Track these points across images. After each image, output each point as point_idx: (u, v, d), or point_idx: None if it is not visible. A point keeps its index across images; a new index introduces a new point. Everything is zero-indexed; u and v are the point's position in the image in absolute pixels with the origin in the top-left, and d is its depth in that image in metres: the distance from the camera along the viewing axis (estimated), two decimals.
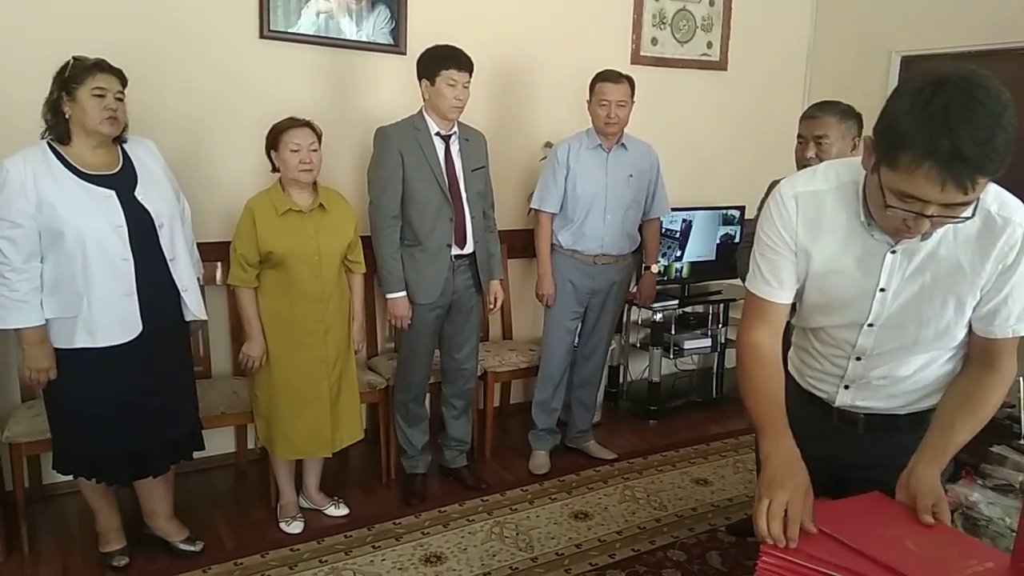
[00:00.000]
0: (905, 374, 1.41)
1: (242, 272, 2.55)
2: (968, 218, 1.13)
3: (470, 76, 2.78)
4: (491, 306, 3.10)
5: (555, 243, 3.21)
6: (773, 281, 1.41)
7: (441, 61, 2.73)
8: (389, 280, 2.82)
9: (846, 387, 1.48)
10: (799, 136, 2.47)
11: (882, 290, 1.33)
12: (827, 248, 1.35)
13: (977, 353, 1.38)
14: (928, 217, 1.11)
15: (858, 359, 1.43)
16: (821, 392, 1.54)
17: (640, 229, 3.32)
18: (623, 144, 3.16)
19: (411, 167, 2.77)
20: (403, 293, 2.83)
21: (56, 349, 2.19)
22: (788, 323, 1.49)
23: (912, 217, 1.13)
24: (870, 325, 1.38)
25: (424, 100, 2.81)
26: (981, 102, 1.03)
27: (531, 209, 3.26)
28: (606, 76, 3.05)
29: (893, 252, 1.29)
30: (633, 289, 3.52)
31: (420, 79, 2.78)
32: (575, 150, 3.13)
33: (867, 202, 1.27)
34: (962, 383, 1.39)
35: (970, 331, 1.37)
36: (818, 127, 2.39)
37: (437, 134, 2.82)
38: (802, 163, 2.37)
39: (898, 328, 1.36)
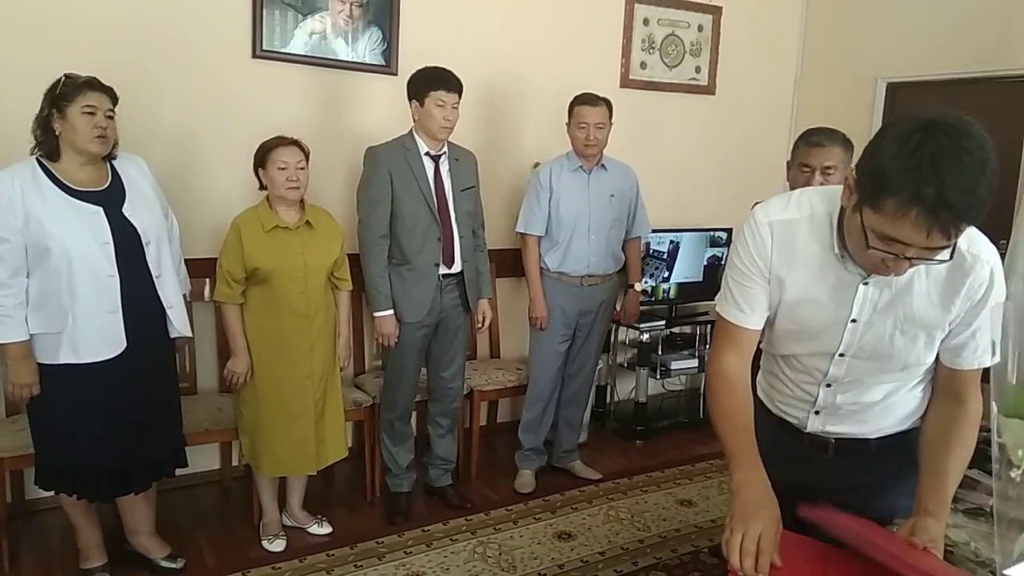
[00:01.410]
0: (874, 400, 1.43)
1: (228, 288, 2.56)
2: (945, 260, 1.16)
3: (459, 97, 2.81)
4: (479, 326, 3.12)
5: (542, 266, 3.23)
6: (745, 307, 1.42)
7: (431, 82, 2.77)
8: (377, 298, 2.83)
9: (816, 412, 1.49)
10: (803, 165, 2.28)
11: (854, 321, 1.34)
12: (800, 277, 1.36)
13: (943, 385, 1.41)
14: (908, 259, 1.14)
15: (828, 386, 1.45)
16: (791, 417, 1.55)
17: (623, 248, 3.35)
18: (603, 165, 3.20)
19: (400, 187, 2.80)
20: (390, 311, 2.84)
21: (40, 364, 2.19)
22: (757, 347, 1.50)
23: (892, 258, 1.15)
24: (841, 355, 1.39)
25: (414, 120, 2.84)
26: (968, 151, 1.05)
27: (518, 232, 3.29)
28: (584, 99, 3.10)
29: (866, 284, 1.31)
30: (618, 308, 3.54)
31: (410, 100, 2.81)
32: (557, 172, 3.17)
33: (842, 234, 1.29)
34: (936, 425, 1.40)
35: (936, 361, 1.39)
36: (828, 157, 2.24)
37: (427, 154, 2.85)
38: None
39: (869, 359, 1.38)
